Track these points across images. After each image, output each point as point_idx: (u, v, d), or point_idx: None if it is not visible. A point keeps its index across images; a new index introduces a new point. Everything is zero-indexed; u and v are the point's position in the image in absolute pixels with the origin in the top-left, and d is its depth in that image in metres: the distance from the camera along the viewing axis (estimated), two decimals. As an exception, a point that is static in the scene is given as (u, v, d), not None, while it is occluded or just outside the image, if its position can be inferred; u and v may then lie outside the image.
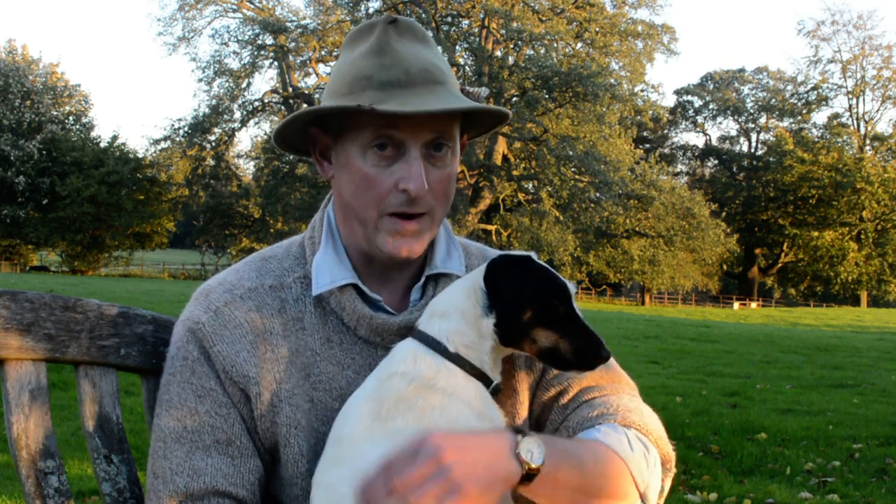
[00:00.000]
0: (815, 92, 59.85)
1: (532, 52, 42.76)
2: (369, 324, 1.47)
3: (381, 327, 1.47)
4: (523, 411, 1.54)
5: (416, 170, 1.38)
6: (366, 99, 1.36)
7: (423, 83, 1.39)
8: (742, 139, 65.89)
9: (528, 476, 1.22)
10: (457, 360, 1.37)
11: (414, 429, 1.31)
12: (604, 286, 58.85)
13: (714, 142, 67.01)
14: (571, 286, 1.40)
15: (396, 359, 1.40)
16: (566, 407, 1.51)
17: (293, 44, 46.48)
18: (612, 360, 1.53)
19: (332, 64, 47.69)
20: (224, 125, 48.82)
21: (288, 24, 46.11)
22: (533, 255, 1.45)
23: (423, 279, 1.53)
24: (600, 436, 1.37)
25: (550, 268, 1.42)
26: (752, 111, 63.62)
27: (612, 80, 40.69)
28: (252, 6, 49.22)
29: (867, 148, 59.38)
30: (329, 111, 1.42)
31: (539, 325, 1.36)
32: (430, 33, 1.49)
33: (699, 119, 66.08)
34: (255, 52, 47.26)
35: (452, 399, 1.34)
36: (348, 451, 1.34)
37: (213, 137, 49.03)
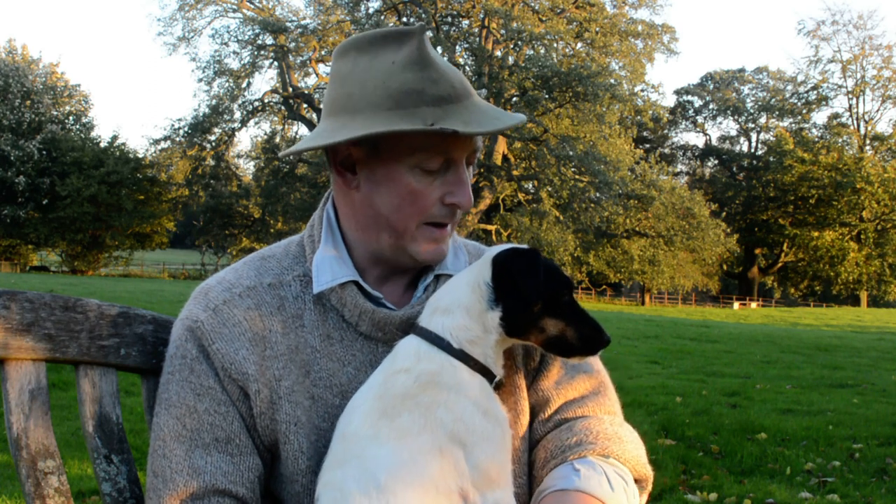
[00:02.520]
0: (815, 92, 59.82)
1: (532, 52, 42.75)
2: (371, 318, 1.47)
3: (384, 322, 1.48)
4: (525, 406, 1.55)
5: (465, 184, 1.44)
6: (423, 115, 1.37)
7: (466, 96, 1.42)
8: (742, 139, 65.94)
9: None
10: (461, 355, 1.39)
11: (420, 426, 1.32)
12: (604, 286, 58.84)
13: (714, 142, 67.04)
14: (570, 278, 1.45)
15: (400, 356, 1.40)
16: (548, 421, 1.53)
17: (293, 44, 46.48)
18: (599, 365, 1.58)
19: (331, 64, 47.59)
20: (224, 125, 48.83)
21: (288, 24, 46.10)
22: (518, 245, 1.48)
23: (431, 276, 1.54)
24: (581, 482, 1.39)
25: (550, 260, 1.45)
26: (752, 111, 63.62)
27: (612, 80, 40.66)
28: (252, 6, 49.22)
29: (867, 148, 59.35)
30: (411, 133, 1.36)
31: (548, 315, 1.40)
32: (429, 33, 1.50)
33: (699, 119, 66.10)
34: (255, 52, 47.26)
35: (458, 395, 1.35)
36: (354, 449, 1.34)
37: (213, 137, 49.03)
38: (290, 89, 46.97)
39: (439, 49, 42.62)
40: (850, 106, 60.65)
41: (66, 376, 7.14)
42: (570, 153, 39.81)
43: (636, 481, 1.48)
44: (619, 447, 1.46)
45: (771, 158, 58.51)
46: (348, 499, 1.30)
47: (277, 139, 49.79)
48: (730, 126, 70.89)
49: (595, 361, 1.59)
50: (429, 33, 1.52)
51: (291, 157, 42.80)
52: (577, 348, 1.41)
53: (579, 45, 45.41)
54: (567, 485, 1.39)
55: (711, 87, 65.26)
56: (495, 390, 1.42)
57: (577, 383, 1.55)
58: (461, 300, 1.41)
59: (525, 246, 1.45)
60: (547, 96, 41.08)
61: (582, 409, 1.53)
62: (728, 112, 64.14)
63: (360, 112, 1.40)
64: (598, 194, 40.06)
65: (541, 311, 1.39)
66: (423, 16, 43.77)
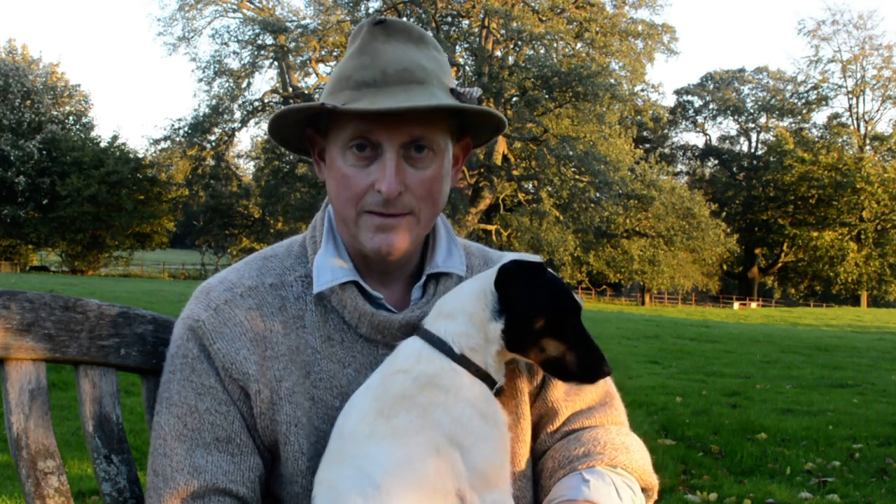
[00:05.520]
0: (815, 92, 59.82)
1: (532, 52, 42.75)
2: (370, 321, 1.47)
3: (383, 325, 1.47)
4: (527, 411, 1.55)
5: (388, 171, 1.39)
6: (342, 98, 1.38)
7: (398, 83, 1.38)
8: (742, 139, 65.94)
9: None
10: (462, 361, 1.38)
11: (418, 426, 1.31)
12: (604, 286, 58.84)
13: (714, 142, 67.04)
14: (580, 301, 1.42)
15: (401, 356, 1.40)
16: (555, 433, 1.55)
17: (293, 44, 46.47)
18: (607, 378, 1.56)
19: (332, 64, 47.71)
20: (224, 125, 48.82)
21: (288, 24, 46.10)
22: (535, 258, 1.45)
23: (424, 278, 1.53)
24: (591, 493, 1.40)
25: (560, 278, 1.42)
26: (752, 111, 63.61)
27: (612, 80, 40.66)
28: (252, 6, 49.21)
29: (867, 148, 59.34)
30: (293, 110, 1.44)
31: (549, 335, 1.37)
32: (429, 33, 1.48)
33: (699, 119, 66.09)
34: (255, 52, 47.25)
35: (457, 398, 1.35)
36: (351, 448, 1.34)
37: (213, 137, 49.04)
38: (290, 89, 46.95)
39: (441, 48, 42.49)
40: (850, 106, 60.69)
41: (66, 376, 7.13)
42: (570, 153, 39.80)
43: (643, 490, 1.50)
44: (627, 457, 1.48)
45: (771, 158, 58.51)
46: (344, 497, 1.30)
47: (278, 139, 49.64)
48: (730, 126, 70.88)
49: None
50: (428, 33, 1.50)
51: (292, 157, 42.78)
52: (575, 374, 1.39)
53: (579, 45, 45.39)
54: (576, 495, 1.41)
55: (711, 87, 65.24)
56: (496, 396, 1.41)
57: (585, 394, 1.57)
58: (465, 306, 1.40)
59: (535, 258, 1.43)
60: (547, 96, 41.09)
61: (590, 419, 1.55)
62: (728, 112, 64.13)
63: (321, 97, 1.46)
64: (598, 194, 40.06)
65: (542, 330, 1.37)
66: (424, 16, 43.75)
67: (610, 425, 1.55)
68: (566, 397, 1.56)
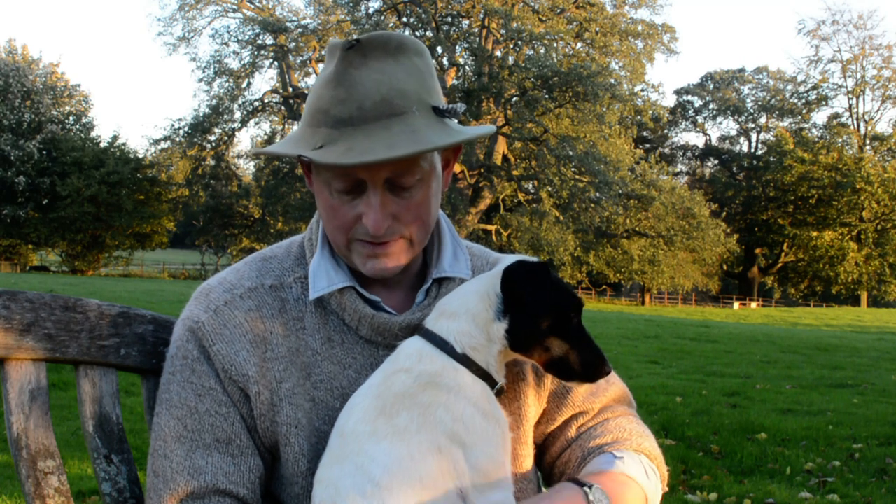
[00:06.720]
0: (815, 92, 59.83)
1: (532, 52, 42.75)
2: (371, 323, 1.47)
3: (383, 327, 1.47)
4: (529, 413, 1.56)
5: (373, 209, 1.38)
6: (319, 136, 1.36)
7: (377, 118, 1.34)
8: (742, 139, 65.95)
9: None
10: (463, 360, 1.38)
11: (419, 424, 1.31)
12: (604, 286, 58.84)
13: (714, 142, 67.06)
14: (581, 299, 1.44)
15: (403, 356, 1.40)
16: (584, 425, 1.61)
17: (293, 44, 46.50)
18: (614, 375, 1.64)
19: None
20: (224, 125, 48.85)
21: (288, 24, 46.14)
22: (530, 258, 1.45)
23: (430, 282, 1.53)
24: (625, 467, 1.47)
25: (560, 278, 1.43)
26: (752, 111, 63.62)
27: (612, 80, 40.67)
28: (252, 6, 49.23)
29: (867, 148, 59.33)
30: (270, 154, 1.46)
31: (554, 335, 1.38)
32: (411, 37, 1.43)
33: (699, 119, 66.09)
34: (255, 52, 47.29)
35: (458, 397, 1.35)
36: (352, 447, 1.34)
37: (213, 137, 49.06)
38: (290, 89, 46.98)
39: (439, 49, 42.65)
40: (850, 106, 60.68)
41: (66, 376, 7.14)
42: (570, 153, 39.82)
43: None
44: (650, 443, 1.56)
45: (771, 158, 58.51)
46: (343, 496, 1.30)
47: (277, 139, 49.67)
48: (730, 126, 70.95)
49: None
50: (409, 42, 1.45)
51: (292, 157, 42.81)
52: (578, 374, 1.40)
53: (579, 45, 45.42)
54: (610, 467, 1.47)
55: (711, 87, 65.25)
56: (496, 396, 1.42)
57: (609, 393, 1.64)
58: (469, 307, 1.41)
59: (536, 259, 1.44)
60: (547, 96, 41.08)
61: (614, 412, 1.62)
62: (728, 112, 64.14)
63: (300, 123, 1.45)
64: (598, 194, 40.07)
65: (547, 330, 1.38)
66: (423, 16, 43.75)
67: (630, 416, 1.64)
68: (592, 398, 1.61)
